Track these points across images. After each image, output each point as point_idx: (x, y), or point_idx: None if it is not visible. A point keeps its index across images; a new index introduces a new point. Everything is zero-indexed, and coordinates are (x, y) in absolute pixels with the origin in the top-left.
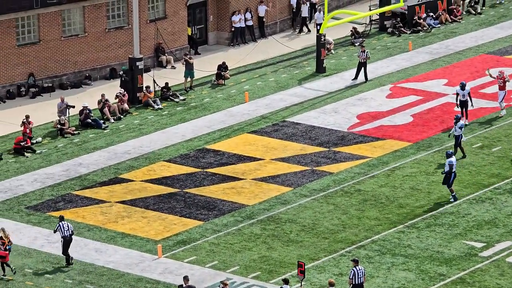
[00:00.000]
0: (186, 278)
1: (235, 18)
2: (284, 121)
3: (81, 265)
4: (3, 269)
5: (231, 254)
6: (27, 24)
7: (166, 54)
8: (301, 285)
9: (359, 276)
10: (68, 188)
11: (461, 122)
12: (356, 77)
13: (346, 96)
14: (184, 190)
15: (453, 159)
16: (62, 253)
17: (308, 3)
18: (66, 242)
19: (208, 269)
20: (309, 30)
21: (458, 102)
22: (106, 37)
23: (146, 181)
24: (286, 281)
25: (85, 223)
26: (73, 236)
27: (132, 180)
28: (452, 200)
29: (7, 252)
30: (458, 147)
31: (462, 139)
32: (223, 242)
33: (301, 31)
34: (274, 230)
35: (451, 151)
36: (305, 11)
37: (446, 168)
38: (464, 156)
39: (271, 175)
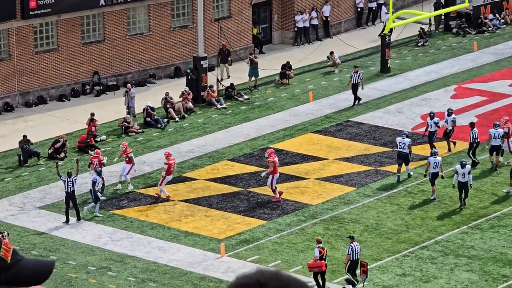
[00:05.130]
0: None
1: (297, 17)
2: (348, 121)
3: (144, 263)
4: None
5: (294, 253)
6: (92, 22)
7: (228, 60)
8: (363, 286)
9: (356, 252)
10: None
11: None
12: (355, 103)
13: (410, 97)
14: (247, 189)
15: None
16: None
17: (375, 3)
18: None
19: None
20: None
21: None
22: (170, 35)
23: (210, 180)
24: (348, 281)
25: (148, 222)
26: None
27: (196, 179)
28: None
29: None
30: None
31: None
32: (286, 242)
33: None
34: (337, 230)
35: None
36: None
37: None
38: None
39: (335, 175)
